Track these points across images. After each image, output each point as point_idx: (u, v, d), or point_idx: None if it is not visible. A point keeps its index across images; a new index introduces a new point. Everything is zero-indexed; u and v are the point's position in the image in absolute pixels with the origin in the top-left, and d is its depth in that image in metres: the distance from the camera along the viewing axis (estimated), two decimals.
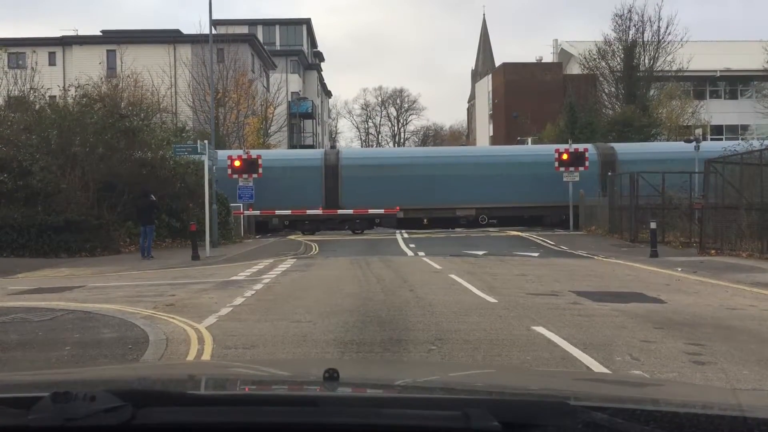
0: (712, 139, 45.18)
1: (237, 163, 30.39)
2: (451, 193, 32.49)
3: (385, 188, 31.85)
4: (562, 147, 32.51)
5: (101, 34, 48.44)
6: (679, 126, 44.56)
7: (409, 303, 10.84)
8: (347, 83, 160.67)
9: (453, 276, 14.54)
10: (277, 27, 62.75)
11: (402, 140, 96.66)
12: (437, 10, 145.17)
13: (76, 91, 25.50)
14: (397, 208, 31.46)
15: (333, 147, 79.37)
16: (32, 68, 26.64)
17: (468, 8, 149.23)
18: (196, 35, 41.83)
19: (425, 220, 33.24)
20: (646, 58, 45.91)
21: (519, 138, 49.56)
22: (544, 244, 24.66)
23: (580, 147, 32.37)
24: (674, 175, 24.98)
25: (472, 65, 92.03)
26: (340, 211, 32.14)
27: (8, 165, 22.32)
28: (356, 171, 33.11)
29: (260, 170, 30.54)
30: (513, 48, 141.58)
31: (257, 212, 30.85)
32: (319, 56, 73.08)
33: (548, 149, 34.03)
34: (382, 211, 31.52)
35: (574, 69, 53.87)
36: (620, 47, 46.02)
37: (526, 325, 8.82)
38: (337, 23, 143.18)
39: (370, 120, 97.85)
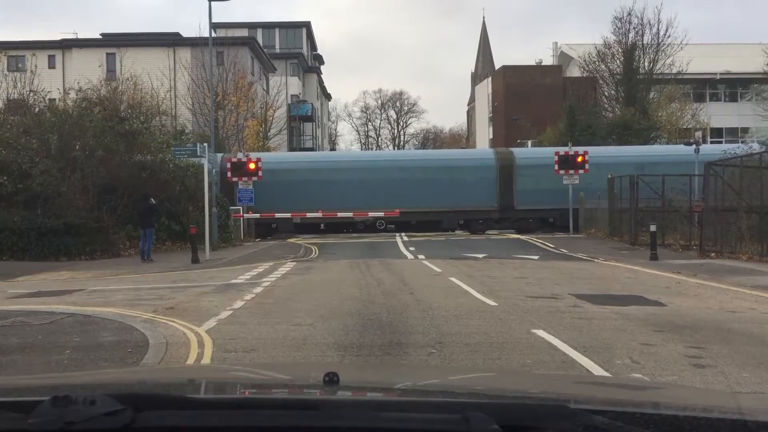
0: (711, 142, 45.23)
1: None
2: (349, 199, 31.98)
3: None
4: (458, 152, 32.88)
5: (101, 37, 48.49)
6: (678, 129, 44.56)
7: (409, 306, 10.83)
8: (347, 87, 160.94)
9: (453, 279, 14.54)
10: (277, 30, 62.80)
11: (402, 143, 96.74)
12: (436, 13, 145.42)
13: (76, 94, 25.52)
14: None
15: (333, 149, 79.46)
16: (32, 71, 26.65)
17: (468, 11, 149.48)
18: (196, 38, 41.87)
19: (322, 225, 32.96)
20: (646, 61, 45.93)
21: (519, 141, 49.57)
22: (544, 247, 24.66)
23: (480, 151, 32.94)
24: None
25: (472, 68, 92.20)
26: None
27: (8, 168, 22.33)
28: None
29: (260, 173, 30.53)
30: (513, 51, 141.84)
31: (257, 215, 30.83)
32: (319, 59, 73.11)
33: (446, 154, 34.09)
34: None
35: (574, 72, 53.91)
36: (620, 50, 46.03)
37: (526, 328, 8.82)
38: (335, 27, 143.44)
39: (369, 123, 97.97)
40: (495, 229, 32.67)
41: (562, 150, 31.77)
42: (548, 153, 32.59)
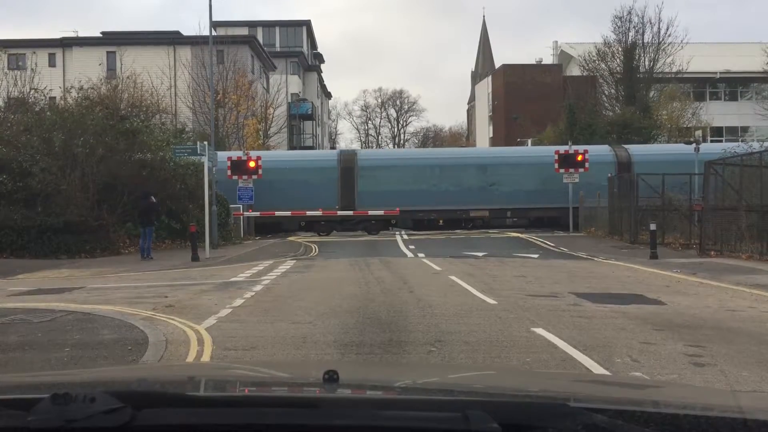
0: (712, 141, 45.24)
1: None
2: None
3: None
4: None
5: (101, 35, 48.48)
6: (679, 127, 44.56)
7: (408, 304, 10.84)
8: (347, 85, 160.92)
9: (453, 277, 14.54)
10: (277, 29, 62.78)
11: (402, 142, 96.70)
12: (436, 13, 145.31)
13: (77, 93, 25.52)
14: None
15: (333, 148, 79.47)
16: (32, 69, 26.65)
17: (468, 11, 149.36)
18: (196, 37, 41.87)
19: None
20: (646, 59, 45.90)
21: (519, 139, 49.59)
22: (544, 245, 24.66)
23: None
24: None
25: (472, 67, 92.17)
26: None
27: (8, 166, 22.33)
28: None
29: (260, 171, 30.56)
30: (513, 50, 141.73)
31: (257, 213, 30.84)
32: (319, 58, 73.08)
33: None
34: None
35: (574, 71, 53.89)
36: (620, 49, 46.01)
37: (526, 327, 8.82)
38: (334, 27, 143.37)
39: (369, 121, 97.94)
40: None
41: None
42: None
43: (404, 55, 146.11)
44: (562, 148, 32.54)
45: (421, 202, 32.18)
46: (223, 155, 29.03)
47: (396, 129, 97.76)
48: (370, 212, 31.86)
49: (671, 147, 35.52)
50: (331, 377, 1.89)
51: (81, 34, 47.54)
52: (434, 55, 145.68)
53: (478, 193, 32.42)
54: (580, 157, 31.33)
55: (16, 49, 36.97)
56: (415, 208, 32.22)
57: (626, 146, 34.43)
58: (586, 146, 33.39)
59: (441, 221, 32.97)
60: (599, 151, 33.10)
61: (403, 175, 32.88)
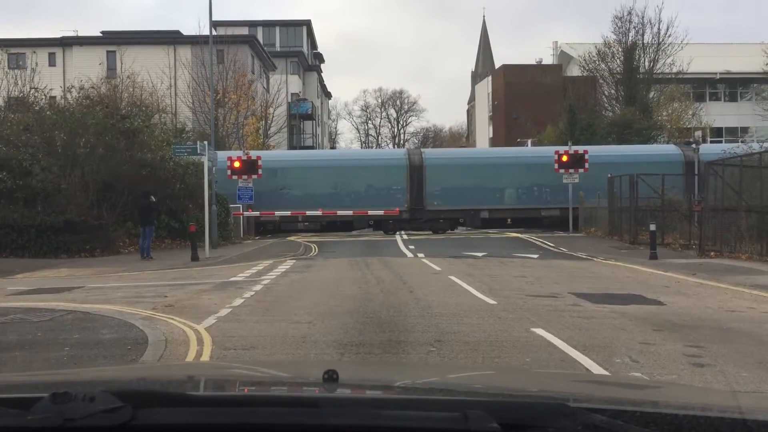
0: (711, 142, 45.23)
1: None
2: None
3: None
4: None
5: (101, 35, 48.46)
6: (679, 128, 44.58)
7: (408, 304, 10.83)
8: (347, 85, 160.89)
9: (452, 277, 14.54)
10: (277, 28, 62.77)
11: (402, 141, 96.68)
12: (436, 12, 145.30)
13: (78, 92, 25.53)
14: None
15: (333, 148, 79.40)
16: (32, 69, 26.62)
17: (468, 11, 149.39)
18: (196, 36, 41.85)
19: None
20: (646, 60, 45.91)
21: (519, 140, 49.58)
22: (544, 245, 24.66)
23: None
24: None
25: (472, 67, 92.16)
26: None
27: (8, 165, 22.32)
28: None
29: (260, 171, 30.56)
30: (513, 50, 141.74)
31: (257, 213, 30.84)
32: (319, 57, 73.07)
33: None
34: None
35: (574, 71, 53.89)
36: (620, 49, 46.02)
37: (526, 327, 8.82)
38: (334, 26, 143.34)
39: (369, 121, 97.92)
40: None
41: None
42: (458, 154, 32.76)
43: (404, 55, 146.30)
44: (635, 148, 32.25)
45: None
46: (222, 155, 29.08)
47: (396, 129, 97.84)
48: (370, 212, 31.86)
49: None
50: (331, 377, 1.89)
51: (81, 34, 47.56)
52: (434, 55, 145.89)
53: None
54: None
55: (16, 48, 36.91)
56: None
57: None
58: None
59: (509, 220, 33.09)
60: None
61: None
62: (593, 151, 32.34)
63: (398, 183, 32.59)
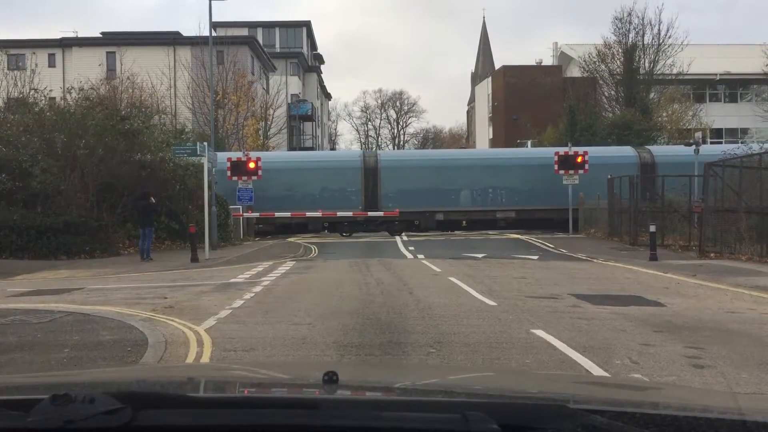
0: (711, 143, 45.21)
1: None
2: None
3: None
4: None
5: (101, 36, 48.47)
6: (679, 129, 44.58)
7: (408, 306, 10.84)
8: (347, 87, 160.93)
9: (452, 279, 14.54)
10: (277, 29, 62.76)
11: (402, 143, 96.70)
12: (436, 14, 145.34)
13: (78, 93, 25.53)
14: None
15: (333, 149, 79.42)
16: (32, 70, 26.63)
17: (468, 11, 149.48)
18: (196, 37, 41.87)
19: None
20: (646, 61, 45.92)
21: (519, 141, 49.58)
22: (544, 247, 24.66)
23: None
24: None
25: (472, 68, 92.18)
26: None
27: (8, 166, 22.31)
28: None
29: (260, 172, 30.57)
30: (512, 51, 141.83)
31: (257, 214, 30.83)
32: (319, 59, 73.06)
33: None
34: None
35: (574, 72, 53.89)
36: (620, 50, 46.03)
37: (526, 328, 8.82)
38: (334, 27, 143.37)
39: (369, 123, 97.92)
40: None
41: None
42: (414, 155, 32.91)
43: (404, 57, 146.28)
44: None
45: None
46: (222, 156, 29.09)
47: (396, 130, 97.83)
48: (370, 213, 31.87)
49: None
50: (331, 378, 1.89)
51: (81, 35, 47.57)
52: (434, 57, 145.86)
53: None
54: (579, 159, 31.27)
55: (16, 49, 36.94)
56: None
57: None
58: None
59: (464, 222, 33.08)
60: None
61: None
62: (543, 153, 32.88)
63: (353, 185, 32.66)
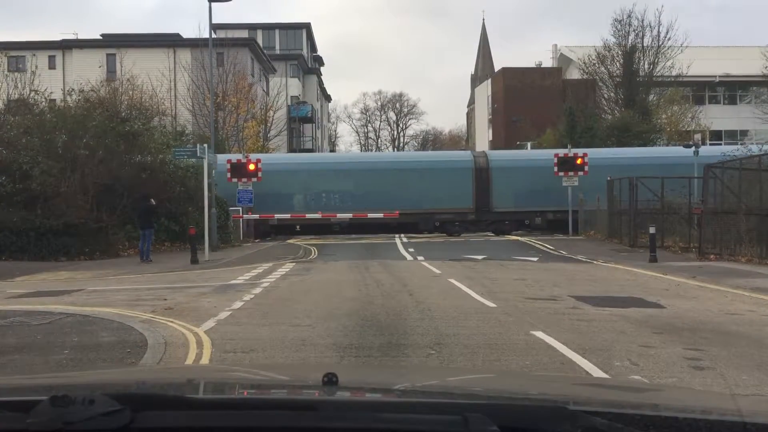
0: (711, 144, 45.21)
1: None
2: None
3: None
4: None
5: (101, 37, 48.46)
6: (678, 131, 44.57)
7: (408, 307, 10.83)
8: (347, 88, 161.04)
9: (452, 280, 14.54)
10: (277, 31, 62.76)
11: (402, 144, 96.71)
12: (436, 15, 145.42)
13: (78, 95, 25.51)
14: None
15: (333, 151, 79.43)
16: (32, 72, 26.61)
17: (468, 13, 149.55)
18: (196, 39, 41.85)
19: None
20: (646, 63, 45.90)
21: (518, 143, 49.58)
22: (544, 248, 24.66)
23: None
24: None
25: (472, 70, 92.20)
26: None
27: (8, 168, 22.30)
28: None
29: (260, 174, 30.60)
30: (512, 53, 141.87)
31: (256, 216, 30.84)
32: (319, 60, 73.07)
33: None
34: None
35: (574, 74, 53.89)
36: (620, 52, 46.02)
37: (525, 330, 8.82)
38: (334, 29, 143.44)
39: (369, 124, 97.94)
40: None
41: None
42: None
43: (404, 58, 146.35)
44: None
45: None
46: (222, 158, 29.12)
47: (396, 132, 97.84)
48: (370, 215, 31.85)
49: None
50: (330, 380, 1.88)
51: (81, 37, 47.57)
52: (434, 58, 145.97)
53: None
54: (580, 161, 31.28)
55: (16, 51, 36.95)
56: None
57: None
58: None
59: None
60: None
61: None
62: (390, 157, 33.32)
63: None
